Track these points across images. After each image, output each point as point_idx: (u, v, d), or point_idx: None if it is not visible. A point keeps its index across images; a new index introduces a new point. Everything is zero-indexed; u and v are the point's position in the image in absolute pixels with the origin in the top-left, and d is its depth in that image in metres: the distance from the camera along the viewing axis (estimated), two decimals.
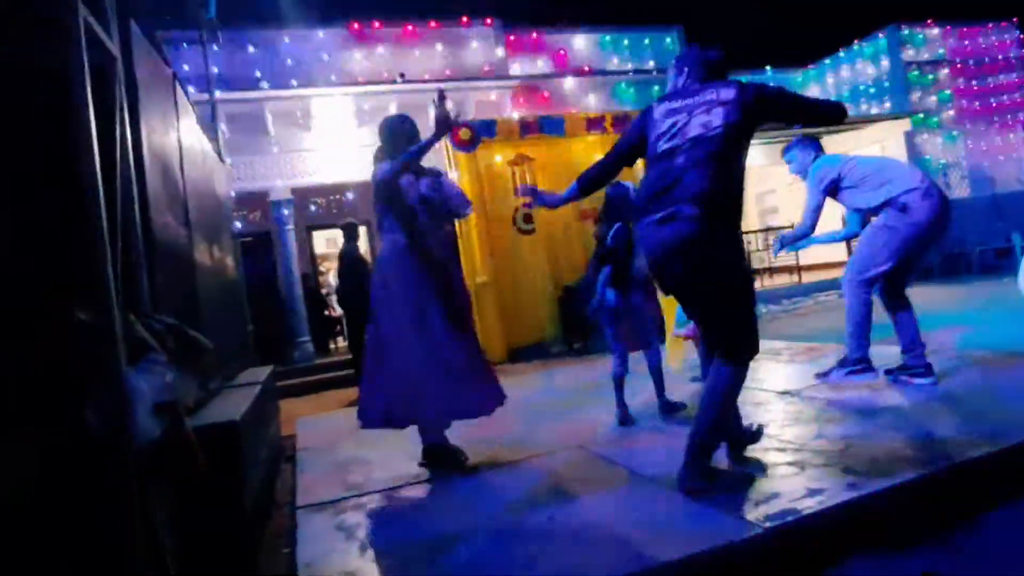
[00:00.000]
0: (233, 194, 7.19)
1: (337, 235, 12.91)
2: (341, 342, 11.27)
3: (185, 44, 8.20)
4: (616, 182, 3.43)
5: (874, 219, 3.69)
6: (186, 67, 8.38)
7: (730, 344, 2.39)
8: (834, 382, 3.79)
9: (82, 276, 1.83)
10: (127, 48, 2.38)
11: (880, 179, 3.59)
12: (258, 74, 9.25)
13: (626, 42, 11.76)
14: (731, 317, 2.38)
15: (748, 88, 2.39)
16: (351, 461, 3.61)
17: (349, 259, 6.87)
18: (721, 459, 2.76)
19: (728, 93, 2.37)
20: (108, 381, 1.78)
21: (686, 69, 2.58)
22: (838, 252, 12.29)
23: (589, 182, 2.73)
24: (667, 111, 2.46)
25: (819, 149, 3.91)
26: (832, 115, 2.54)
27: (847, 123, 12.03)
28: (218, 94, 7.76)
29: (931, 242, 3.55)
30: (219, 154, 5.53)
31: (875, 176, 3.62)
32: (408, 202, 3.12)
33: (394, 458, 3.51)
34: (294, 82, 9.39)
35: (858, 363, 3.70)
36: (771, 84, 2.58)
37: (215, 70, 8.21)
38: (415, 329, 3.00)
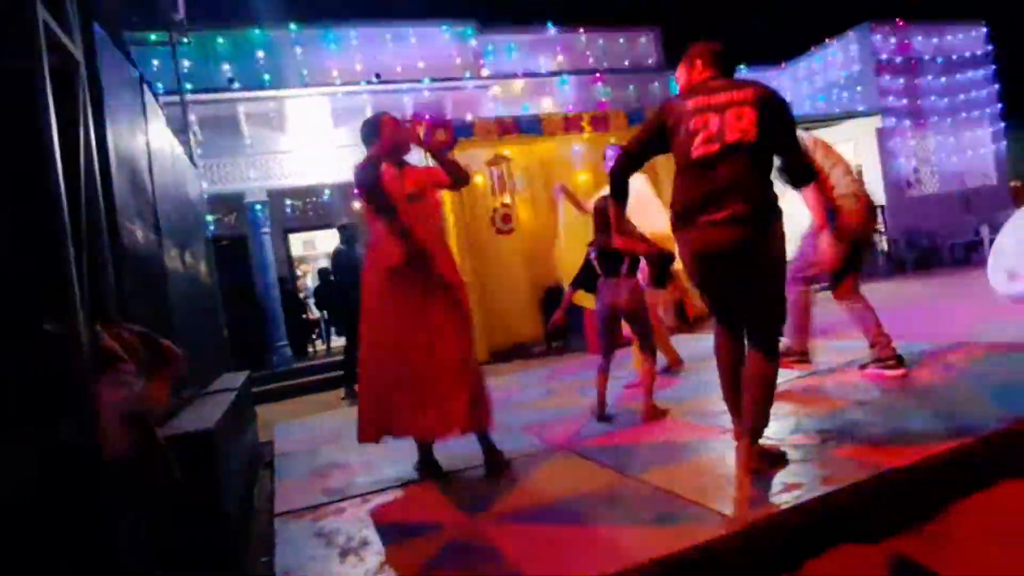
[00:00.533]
0: (205, 197, 7.10)
1: (314, 237, 12.84)
2: (320, 345, 11.18)
3: (155, 45, 8.04)
4: (603, 195, 3.58)
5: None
6: (156, 68, 8.24)
7: (771, 331, 2.56)
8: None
9: (46, 286, 1.79)
10: (91, 51, 2.33)
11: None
12: (231, 75, 9.12)
13: (602, 42, 11.80)
14: (775, 305, 2.56)
15: (772, 94, 2.47)
16: (330, 466, 3.57)
17: (344, 258, 6.81)
18: (708, 454, 2.78)
19: (750, 93, 2.43)
20: (76, 393, 1.74)
21: (699, 62, 2.63)
22: None
23: (620, 193, 2.79)
24: (695, 108, 2.46)
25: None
26: (800, 175, 2.59)
27: (820, 120, 12.21)
28: (189, 96, 7.63)
29: (859, 245, 3.72)
30: (191, 157, 5.45)
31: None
32: (390, 201, 2.96)
33: (374, 462, 3.48)
34: (267, 83, 9.28)
35: (801, 355, 4.03)
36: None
37: (186, 71, 8.08)
38: (414, 333, 2.91)
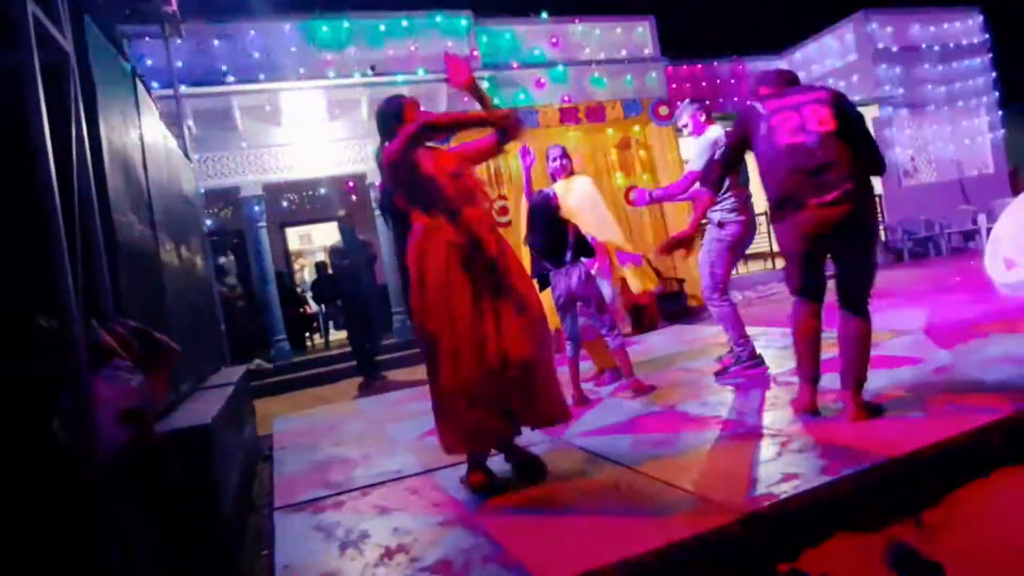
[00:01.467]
0: (202, 191, 7.06)
1: (311, 231, 12.80)
2: (318, 339, 11.17)
3: (148, 39, 7.98)
4: (539, 190, 4.00)
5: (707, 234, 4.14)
6: (149, 63, 8.18)
7: (866, 294, 2.82)
8: (733, 378, 3.96)
9: (40, 282, 1.78)
10: (82, 44, 2.31)
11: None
12: (224, 68, 9.05)
13: (598, 32, 11.73)
14: (872, 271, 2.83)
15: (840, 94, 2.83)
16: (330, 459, 3.57)
17: (343, 251, 6.78)
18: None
19: (822, 94, 2.79)
20: (72, 389, 1.74)
21: (762, 89, 3.10)
22: None
23: (717, 183, 3.17)
24: (773, 109, 2.80)
25: (709, 115, 4.36)
26: (875, 163, 2.84)
27: None
28: (183, 89, 7.57)
29: (745, 247, 4.22)
30: (185, 151, 5.42)
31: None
32: (427, 177, 2.66)
33: (373, 456, 3.49)
34: (262, 76, 9.21)
35: (750, 359, 3.96)
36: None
37: (179, 65, 8.02)
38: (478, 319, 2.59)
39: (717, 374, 4.08)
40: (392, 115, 2.80)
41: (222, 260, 7.93)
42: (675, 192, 4.39)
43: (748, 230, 4.07)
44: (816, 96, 2.77)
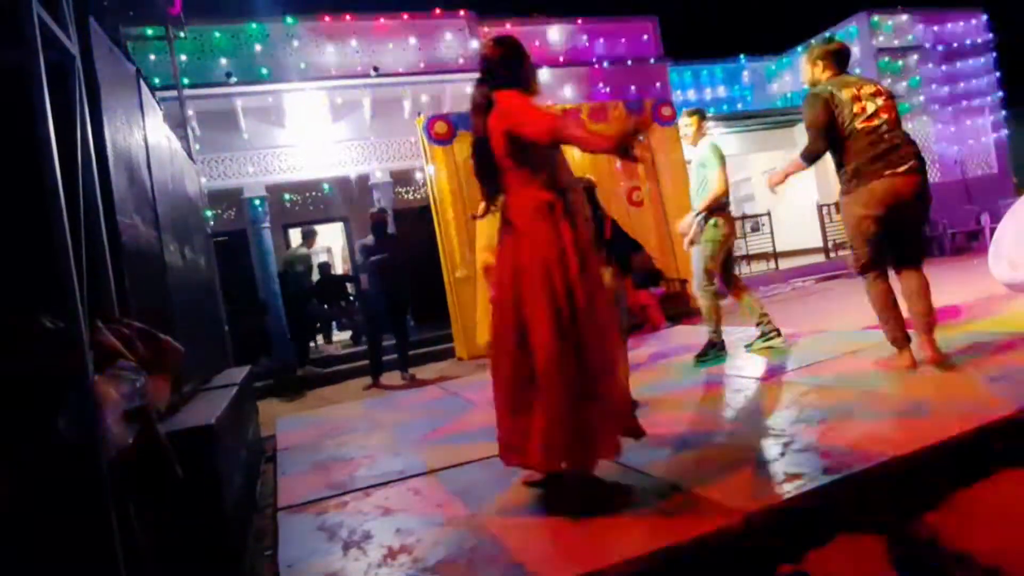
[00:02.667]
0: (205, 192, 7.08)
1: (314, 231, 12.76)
2: (320, 341, 11.17)
3: (150, 37, 7.99)
4: (579, 177, 3.83)
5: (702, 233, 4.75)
6: (153, 63, 8.19)
7: (923, 252, 3.44)
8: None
9: (45, 283, 1.79)
10: (86, 46, 2.32)
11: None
12: (228, 69, 9.07)
13: (601, 32, 11.73)
14: (925, 234, 3.41)
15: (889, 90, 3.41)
16: (333, 460, 3.58)
17: (375, 250, 6.80)
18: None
19: (882, 87, 3.37)
20: (76, 389, 1.74)
21: (821, 63, 3.50)
22: (813, 239, 12.46)
23: (815, 158, 3.46)
24: (852, 98, 3.32)
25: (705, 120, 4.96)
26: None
27: None
28: (186, 90, 7.59)
29: (732, 243, 4.79)
30: (189, 152, 5.43)
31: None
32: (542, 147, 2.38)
33: (377, 456, 3.49)
34: (265, 76, 9.23)
35: (715, 345, 4.74)
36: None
37: (183, 61, 8.03)
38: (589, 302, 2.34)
39: (697, 357, 4.70)
40: (516, 61, 2.50)
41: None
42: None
43: (734, 228, 4.80)
44: (876, 89, 3.34)
